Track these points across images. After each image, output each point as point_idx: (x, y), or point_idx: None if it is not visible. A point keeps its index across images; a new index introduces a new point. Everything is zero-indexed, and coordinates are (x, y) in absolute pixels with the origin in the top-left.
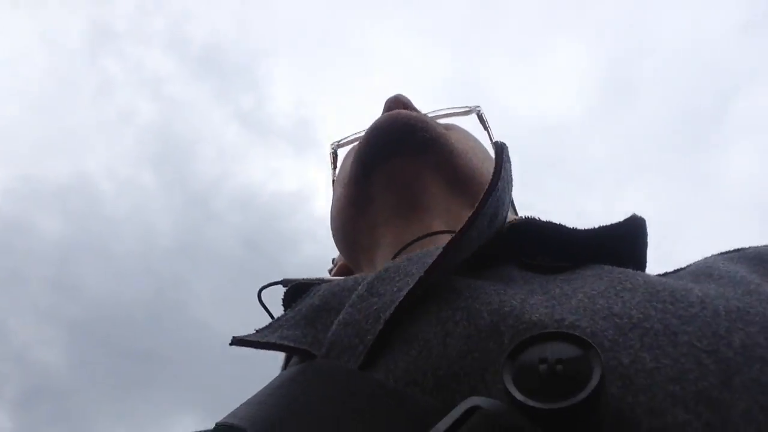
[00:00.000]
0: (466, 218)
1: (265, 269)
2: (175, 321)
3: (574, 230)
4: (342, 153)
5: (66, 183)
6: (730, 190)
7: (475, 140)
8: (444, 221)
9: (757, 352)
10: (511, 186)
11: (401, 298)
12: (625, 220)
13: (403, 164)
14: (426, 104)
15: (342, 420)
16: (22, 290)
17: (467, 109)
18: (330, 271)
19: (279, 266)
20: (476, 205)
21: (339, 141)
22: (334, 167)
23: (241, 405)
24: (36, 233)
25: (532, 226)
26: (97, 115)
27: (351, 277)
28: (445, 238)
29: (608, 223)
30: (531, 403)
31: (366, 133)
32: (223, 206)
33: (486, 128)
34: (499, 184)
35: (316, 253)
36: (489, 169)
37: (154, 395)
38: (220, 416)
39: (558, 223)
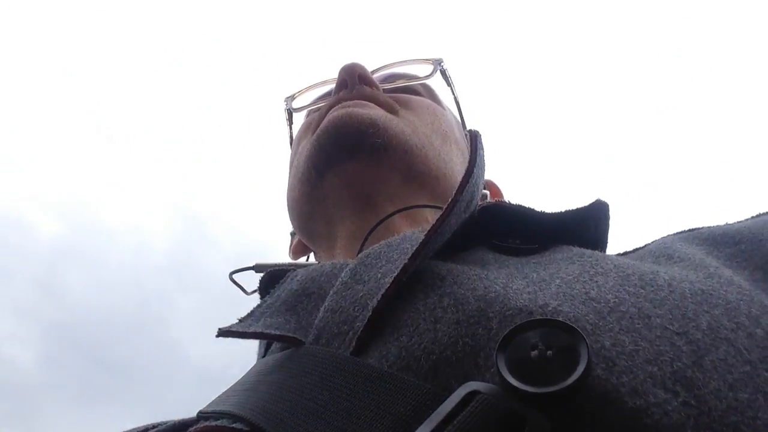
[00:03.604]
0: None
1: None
2: (152, 337)
3: (542, 213)
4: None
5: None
6: None
7: (434, 114)
8: (397, 207)
9: (722, 334)
10: (484, 171)
11: (387, 285)
12: (590, 205)
13: (355, 168)
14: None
15: (339, 404)
16: (6, 285)
17: (428, 61)
18: (290, 247)
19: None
20: (454, 192)
21: (293, 95)
22: (291, 123)
23: (225, 392)
24: (32, 233)
25: (503, 209)
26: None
27: (329, 262)
28: (401, 222)
29: (574, 207)
30: (526, 387)
31: (317, 135)
32: (218, 230)
33: (449, 84)
34: (475, 170)
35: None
36: (449, 153)
37: (115, 407)
38: None
39: (527, 206)
